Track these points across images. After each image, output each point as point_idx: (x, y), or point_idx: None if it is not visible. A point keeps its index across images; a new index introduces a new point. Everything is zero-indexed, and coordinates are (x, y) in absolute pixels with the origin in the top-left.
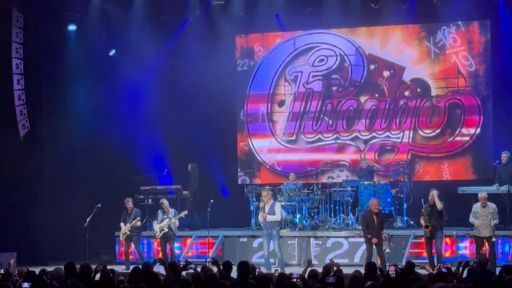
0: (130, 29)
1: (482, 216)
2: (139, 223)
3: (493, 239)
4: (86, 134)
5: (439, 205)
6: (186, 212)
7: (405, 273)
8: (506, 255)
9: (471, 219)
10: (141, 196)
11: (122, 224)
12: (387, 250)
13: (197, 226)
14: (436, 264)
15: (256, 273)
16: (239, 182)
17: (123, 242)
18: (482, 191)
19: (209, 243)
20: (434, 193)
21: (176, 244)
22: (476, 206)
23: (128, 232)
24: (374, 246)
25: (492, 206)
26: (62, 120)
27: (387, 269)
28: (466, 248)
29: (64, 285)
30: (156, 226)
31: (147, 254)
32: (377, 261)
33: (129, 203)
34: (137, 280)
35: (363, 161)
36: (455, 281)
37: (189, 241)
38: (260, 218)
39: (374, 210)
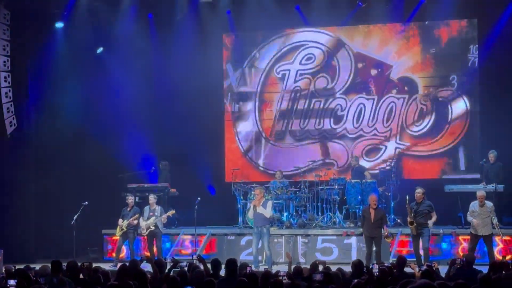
0: (117, 27)
1: (480, 214)
2: (135, 222)
3: (503, 237)
4: (73, 132)
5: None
6: (173, 211)
7: (391, 270)
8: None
9: (469, 217)
10: (128, 194)
11: (120, 220)
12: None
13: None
14: (423, 263)
15: (248, 271)
16: (226, 180)
17: (118, 238)
18: (480, 190)
19: (200, 240)
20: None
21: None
22: (474, 205)
23: (125, 229)
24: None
25: (489, 204)
26: (49, 117)
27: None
28: (451, 246)
29: (50, 282)
30: (143, 223)
31: (135, 251)
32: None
33: (131, 199)
34: (125, 278)
35: (353, 160)
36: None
37: (184, 237)
38: (250, 215)
39: (373, 205)
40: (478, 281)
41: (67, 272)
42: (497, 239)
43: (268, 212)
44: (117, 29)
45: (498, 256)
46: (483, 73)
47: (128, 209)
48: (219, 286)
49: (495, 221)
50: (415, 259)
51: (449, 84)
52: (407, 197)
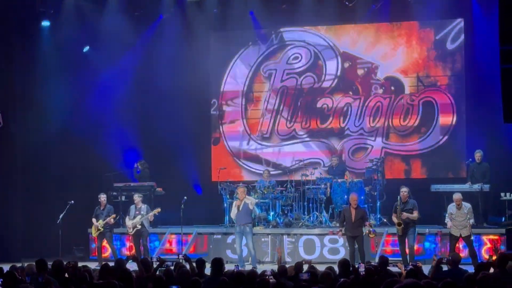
0: (104, 25)
1: (458, 217)
2: (112, 221)
3: (471, 238)
4: (59, 131)
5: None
6: (159, 209)
7: (377, 270)
8: (478, 253)
9: (447, 220)
10: (115, 193)
11: (94, 220)
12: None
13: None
14: (408, 262)
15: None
16: (213, 179)
17: (96, 238)
18: (457, 193)
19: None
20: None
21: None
22: (451, 208)
23: (102, 229)
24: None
25: (467, 206)
26: (35, 116)
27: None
28: (436, 246)
29: (36, 281)
30: (129, 222)
31: (118, 250)
32: (357, 257)
33: (103, 198)
34: (108, 277)
35: (333, 159)
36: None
37: (172, 237)
38: (232, 215)
39: (353, 205)
40: (463, 280)
41: (52, 271)
42: (484, 238)
43: (252, 202)
44: (104, 28)
45: (486, 256)
46: (469, 73)
47: (102, 208)
48: (204, 286)
49: (471, 221)
50: (401, 259)
51: (435, 84)
52: (399, 197)
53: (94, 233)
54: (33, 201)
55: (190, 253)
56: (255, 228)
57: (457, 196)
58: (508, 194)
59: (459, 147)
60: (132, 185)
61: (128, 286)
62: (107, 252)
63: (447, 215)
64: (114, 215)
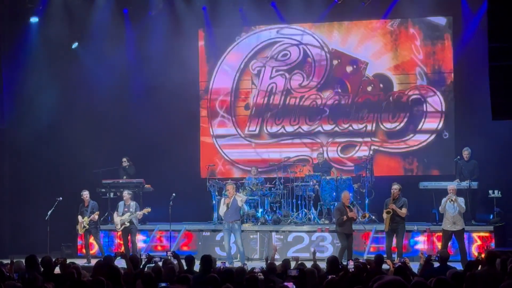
0: (92, 22)
1: (450, 208)
2: (96, 217)
3: (459, 228)
4: (47, 127)
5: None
6: (149, 209)
7: (367, 267)
8: (468, 250)
9: (440, 208)
10: (103, 190)
11: (79, 217)
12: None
13: None
14: (397, 259)
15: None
16: (202, 176)
17: (82, 235)
18: (452, 184)
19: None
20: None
21: (143, 237)
22: (443, 200)
23: (87, 226)
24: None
25: (460, 199)
26: (23, 112)
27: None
28: (424, 243)
29: (23, 278)
30: (117, 219)
31: (107, 247)
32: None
33: (85, 195)
34: (101, 274)
35: (319, 156)
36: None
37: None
38: (222, 210)
39: (346, 202)
40: (450, 277)
41: (41, 268)
42: (475, 235)
43: (242, 199)
44: (92, 24)
45: (475, 253)
46: (458, 70)
47: (85, 205)
48: (194, 283)
49: (460, 201)
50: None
51: (424, 81)
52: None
53: (80, 230)
54: (21, 197)
55: (180, 250)
56: (243, 225)
57: (451, 186)
58: (496, 191)
59: (447, 145)
60: (121, 182)
61: (116, 283)
62: (94, 249)
63: (440, 207)
64: (98, 212)
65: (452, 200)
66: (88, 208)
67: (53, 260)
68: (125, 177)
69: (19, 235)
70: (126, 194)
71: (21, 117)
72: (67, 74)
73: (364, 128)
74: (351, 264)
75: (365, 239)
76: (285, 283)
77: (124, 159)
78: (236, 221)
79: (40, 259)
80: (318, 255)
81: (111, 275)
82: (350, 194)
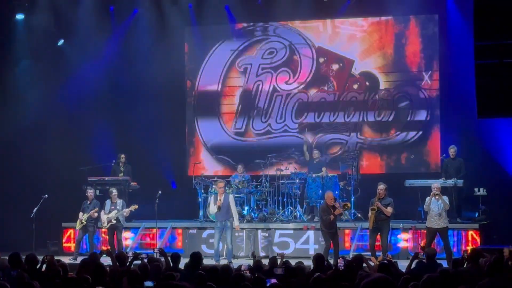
0: (78, 19)
1: (435, 206)
2: (96, 214)
3: (444, 225)
4: (34, 124)
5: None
6: (136, 206)
7: (353, 265)
8: (451, 247)
9: (425, 207)
10: (88, 187)
11: (80, 214)
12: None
13: None
14: (382, 257)
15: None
16: (188, 174)
17: (78, 231)
18: (436, 182)
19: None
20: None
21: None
22: (428, 198)
23: (85, 222)
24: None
25: (444, 197)
26: (9, 109)
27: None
28: (408, 241)
29: (9, 276)
30: (104, 217)
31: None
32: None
33: (91, 192)
34: (86, 272)
35: (315, 152)
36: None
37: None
38: (214, 210)
39: (330, 203)
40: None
41: (26, 265)
42: (463, 233)
43: (233, 209)
44: (78, 21)
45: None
46: (444, 68)
47: (88, 202)
48: (181, 279)
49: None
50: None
51: (409, 79)
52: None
53: (77, 226)
54: (6, 194)
55: (167, 247)
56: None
57: (435, 184)
58: (481, 189)
59: (433, 143)
60: (107, 179)
61: (101, 280)
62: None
63: (425, 205)
64: (97, 209)
65: (436, 194)
66: (91, 206)
67: (43, 257)
68: (121, 174)
69: (4, 233)
70: (114, 191)
71: (7, 114)
72: (53, 71)
73: (350, 126)
74: (341, 262)
75: (347, 237)
76: (268, 279)
77: (123, 156)
78: (228, 219)
79: (24, 257)
80: (303, 252)
81: (96, 273)
82: (336, 192)
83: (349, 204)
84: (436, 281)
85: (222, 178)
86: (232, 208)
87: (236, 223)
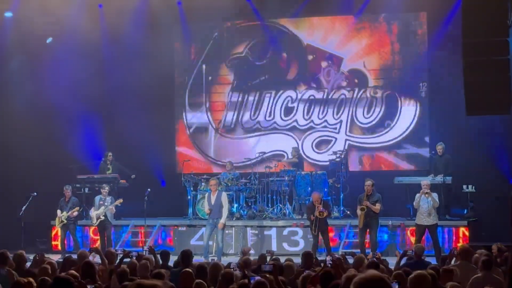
0: (67, 17)
1: (424, 203)
2: (76, 213)
3: (433, 222)
4: (22, 122)
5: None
6: (121, 200)
7: (342, 263)
8: (442, 244)
9: (415, 203)
10: (78, 185)
11: (58, 211)
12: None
13: None
14: (371, 254)
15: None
16: (177, 171)
17: (59, 229)
18: (425, 179)
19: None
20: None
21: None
22: (417, 195)
23: (65, 221)
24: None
25: (434, 194)
26: None
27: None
28: (398, 237)
29: None
30: (93, 213)
31: (81, 242)
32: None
33: (68, 190)
34: (70, 269)
35: (292, 150)
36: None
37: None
38: (206, 211)
39: (316, 204)
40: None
41: (14, 263)
42: (453, 230)
43: (226, 208)
44: (67, 19)
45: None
46: (432, 66)
47: (66, 200)
48: (172, 277)
49: (433, 195)
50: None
51: (399, 76)
52: (364, 195)
53: (57, 224)
54: None
55: (160, 244)
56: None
57: (424, 181)
58: (470, 186)
59: (422, 140)
60: (96, 177)
61: (90, 278)
62: (70, 245)
63: (414, 202)
64: (77, 208)
65: (426, 193)
66: (69, 204)
67: (34, 255)
68: (108, 172)
69: None
70: (105, 187)
71: None
72: (41, 69)
73: (339, 123)
74: (329, 259)
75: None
76: (252, 277)
77: (110, 154)
78: (220, 217)
79: (12, 255)
80: (291, 249)
81: (85, 271)
82: (325, 190)
83: (325, 213)
84: (425, 278)
85: (211, 176)
86: (224, 206)
87: (221, 220)
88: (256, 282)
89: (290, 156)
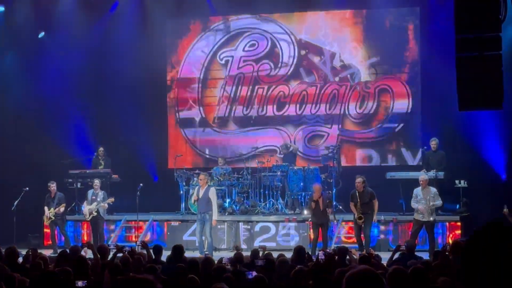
0: (59, 11)
1: (423, 199)
2: (62, 210)
3: (431, 219)
4: (14, 117)
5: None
6: (112, 199)
7: (334, 257)
8: (443, 240)
9: (413, 204)
10: (70, 180)
11: (46, 208)
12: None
13: None
14: (363, 249)
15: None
16: (169, 166)
17: (48, 226)
18: (423, 174)
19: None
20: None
21: (112, 228)
22: (417, 190)
23: (53, 218)
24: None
25: (433, 190)
26: None
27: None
28: (390, 233)
29: None
30: (86, 208)
31: (73, 237)
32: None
33: (53, 186)
34: (65, 264)
35: (282, 146)
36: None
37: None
38: (194, 198)
39: (316, 196)
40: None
41: (6, 258)
42: (448, 225)
43: (213, 203)
44: (59, 13)
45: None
46: (425, 60)
47: (52, 196)
48: (163, 272)
49: (437, 203)
50: (355, 246)
51: (391, 71)
52: (355, 192)
53: (46, 221)
54: None
55: (155, 239)
56: None
57: (422, 177)
58: (462, 181)
59: (414, 135)
60: (88, 172)
61: (83, 273)
62: (61, 240)
63: (412, 199)
64: (64, 204)
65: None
66: (55, 200)
67: (27, 250)
68: (101, 167)
69: None
70: (96, 182)
71: None
72: (33, 63)
73: (331, 118)
74: (321, 255)
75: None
76: (248, 272)
77: (101, 149)
78: (208, 211)
79: (4, 250)
80: (284, 244)
81: (77, 266)
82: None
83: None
84: (418, 273)
85: (203, 171)
86: (212, 201)
87: (214, 217)
88: (255, 278)
89: (280, 152)
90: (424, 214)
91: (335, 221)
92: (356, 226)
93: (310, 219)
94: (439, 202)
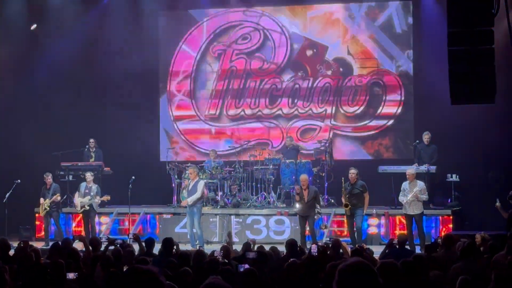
0: (51, 3)
1: (410, 193)
2: (59, 198)
3: (417, 212)
4: (5, 108)
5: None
6: (108, 197)
7: (326, 250)
8: (430, 233)
9: (401, 198)
10: (62, 172)
11: (41, 199)
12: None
13: None
14: (356, 242)
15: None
16: (161, 159)
17: (43, 217)
18: (411, 168)
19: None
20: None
21: (105, 220)
22: (405, 184)
23: (48, 208)
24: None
25: (420, 184)
26: None
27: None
28: (382, 226)
29: None
30: (77, 200)
31: (64, 230)
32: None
33: (49, 177)
34: (57, 256)
35: (287, 139)
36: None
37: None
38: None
39: (303, 186)
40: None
41: None
42: (440, 219)
43: (198, 193)
44: (51, 6)
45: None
46: (417, 54)
47: (47, 187)
48: (154, 265)
49: (423, 197)
50: (348, 239)
51: (383, 65)
52: (343, 179)
53: (41, 212)
54: None
55: (149, 232)
56: (203, 208)
57: (409, 171)
58: (454, 175)
59: (406, 129)
60: (80, 165)
61: (74, 266)
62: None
63: (401, 193)
64: (58, 194)
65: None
66: (50, 191)
67: (18, 243)
68: (91, 159)
69: None
70: (89, 175)
71: None
72: (25, 55)
73: (324, 112)
74: (314, 248)
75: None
76: (240, 265)
77: (92, 140)
78: (195, 204)
79: None
80: (276, 237)
81: (69, 258)
82: (310, 178)
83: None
84: (410, 266)
85: (196, 164)
86: (198, 191)
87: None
88: (245, 271)
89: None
90: (409, 207)
91: (318, 216)
92: (350, 221)
93: (295, 211)
94: (424, 196)
